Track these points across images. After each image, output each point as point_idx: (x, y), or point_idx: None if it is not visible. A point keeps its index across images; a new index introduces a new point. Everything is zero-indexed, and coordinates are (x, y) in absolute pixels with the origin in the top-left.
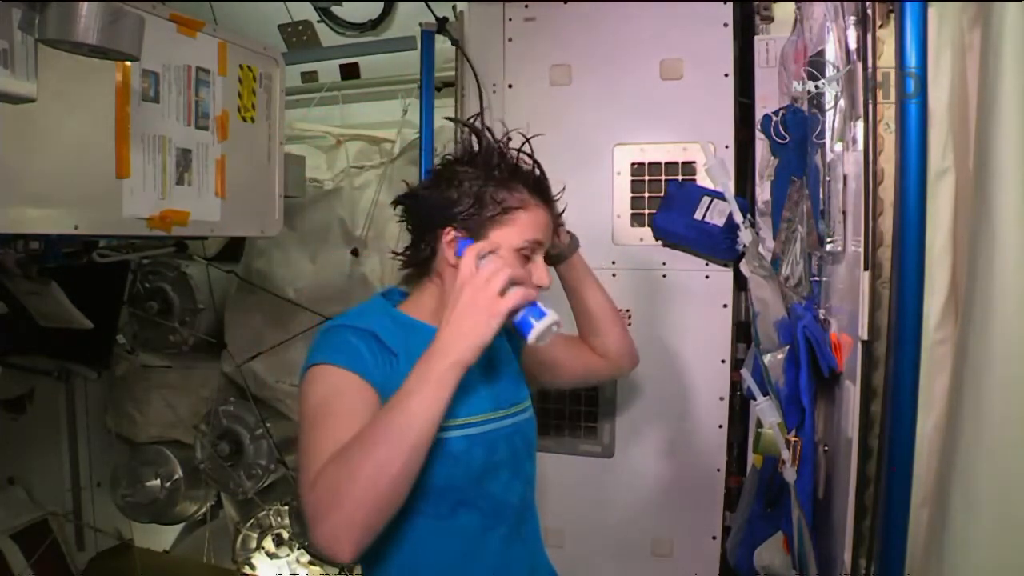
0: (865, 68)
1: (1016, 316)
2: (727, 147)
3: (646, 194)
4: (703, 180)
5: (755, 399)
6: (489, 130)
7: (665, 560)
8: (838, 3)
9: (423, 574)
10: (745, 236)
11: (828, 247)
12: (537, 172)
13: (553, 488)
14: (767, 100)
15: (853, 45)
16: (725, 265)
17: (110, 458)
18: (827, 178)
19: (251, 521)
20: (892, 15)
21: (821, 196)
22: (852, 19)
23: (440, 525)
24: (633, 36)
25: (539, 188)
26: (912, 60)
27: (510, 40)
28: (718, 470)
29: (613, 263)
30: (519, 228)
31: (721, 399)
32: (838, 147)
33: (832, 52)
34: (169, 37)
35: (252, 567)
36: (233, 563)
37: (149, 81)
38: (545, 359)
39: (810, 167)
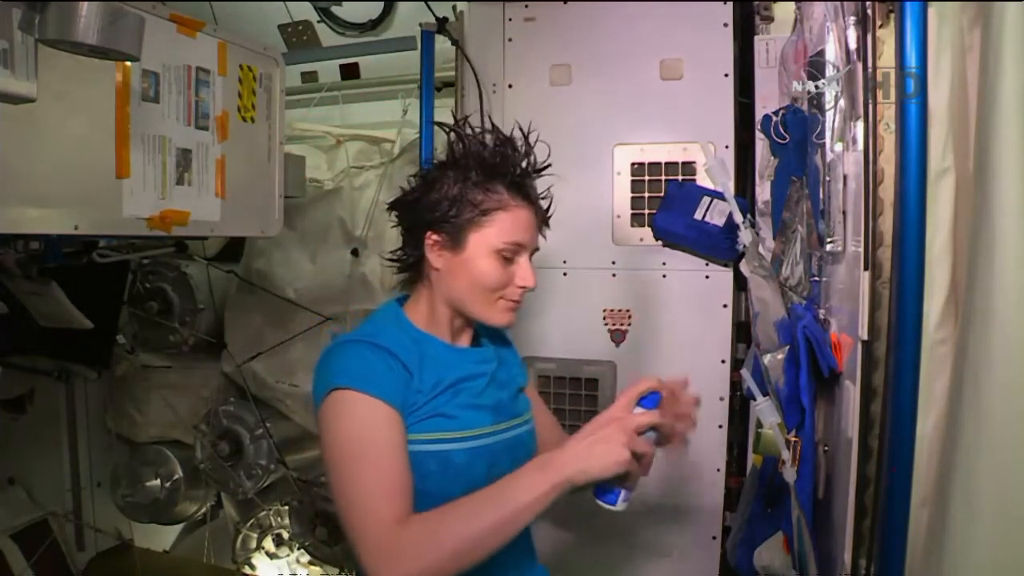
0: (865, 68)
1: (1016, 316)
2: (727, 147)
3: (646, 194)
4: (703, 180)
5: (755, 399)
6: (489, 130)
7: (665, 560)
8: (838, 3)
9: None
10: (745, 236)
11: (828, 247)
12: (518, 171)
13: None
14: (767, 100)
15: (853, 45)
16: (725, 265)
17: (110, 458)
18: (827, 178)
19: (251, 521)
20: (892, 15)
21: (821, 196)
22: (852, 19)
23: None
24: (633, 36)
25: (519, 188)
26: (912, 60)
27: (510, 40)
28: (718, 470)
29: (613, 263)
30: (497, 229)
31: (721, 399)
32: (838, 147)
33: (832, 52)
34: (169, 37)
35: (252, 567)
36: (233, 563)
37: (149, 81)
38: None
39: (810, 167)
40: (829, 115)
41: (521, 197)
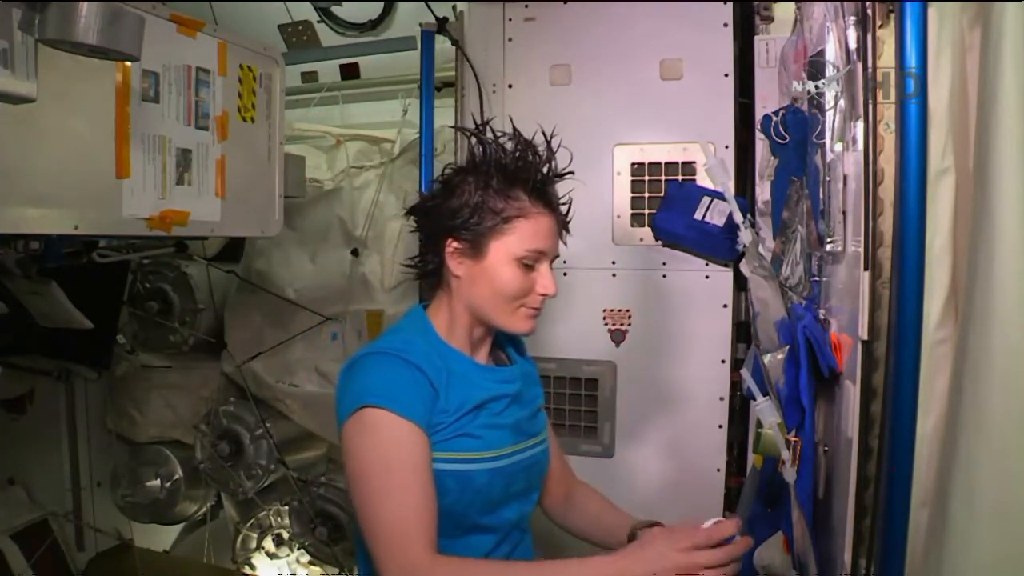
0: (865, 68)
1: (1016, 316)
2: (727, 147)
3: (646, 194)
4: (703, 180)
5: (755, 399)
6: (510, 135)
7: None
8: (838, 3)
9: None
10: (745, 236)
11: (828, 247)
12: (539, 177)
13: None
14: (767, 100)
15: (853, 45)
16: (725, 265)
17: (110, 458)
18: (827, 178)
19: (251, 521)
20: (892, 15)
21: (821, 196)
22: (852, 19)
23: (448, 544)
24: (633, 36)
25: (540, 195)
26: (912, 60)
27: (510, 40)
28: (718, 470)
29: (613, 263)
30: (519, 237)
31: (721, 399)
32: (838, 147)
33: (832, 52)
34: (169, 37)
35: (252, 567)
36: (233, 563)
37: (149, 81)
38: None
39: (810, 167)
40: (829, 115)
41: (543, 204)
